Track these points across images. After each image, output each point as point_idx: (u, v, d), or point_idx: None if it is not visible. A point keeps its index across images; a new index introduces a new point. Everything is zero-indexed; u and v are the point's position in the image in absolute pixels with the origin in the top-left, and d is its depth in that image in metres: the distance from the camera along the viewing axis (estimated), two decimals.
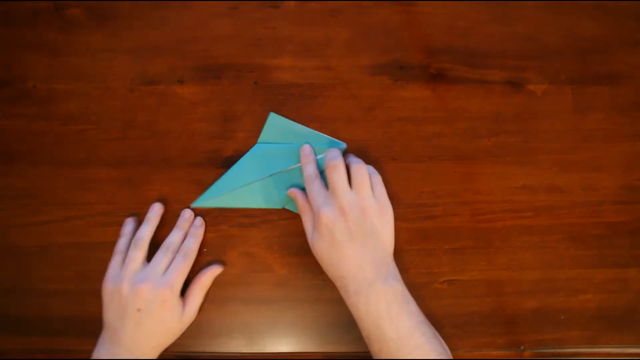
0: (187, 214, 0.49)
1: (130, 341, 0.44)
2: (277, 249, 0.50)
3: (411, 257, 0.50)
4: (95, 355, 0.44)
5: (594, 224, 0.50)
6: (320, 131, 0.51)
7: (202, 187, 0.50)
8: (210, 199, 0.49)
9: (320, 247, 0.44)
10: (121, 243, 0.47)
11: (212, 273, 0.48)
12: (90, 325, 0.48)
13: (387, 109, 0.51)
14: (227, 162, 0.50)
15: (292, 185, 0.49)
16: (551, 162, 0.51)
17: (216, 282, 0.49)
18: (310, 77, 0.52)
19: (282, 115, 0.51)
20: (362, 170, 0.45)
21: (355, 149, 0.51)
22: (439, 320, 0.49)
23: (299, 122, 0.51)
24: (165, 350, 0.48)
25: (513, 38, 0.52)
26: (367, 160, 0.51)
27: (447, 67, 0.52)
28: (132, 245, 0.46)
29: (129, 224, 0.48)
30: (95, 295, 0.49)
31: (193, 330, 0.49)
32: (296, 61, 0.52)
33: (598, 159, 0.51)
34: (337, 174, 0.44)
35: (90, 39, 0.52)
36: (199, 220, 0.49)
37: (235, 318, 0.49)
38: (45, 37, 0.52)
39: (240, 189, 0.49)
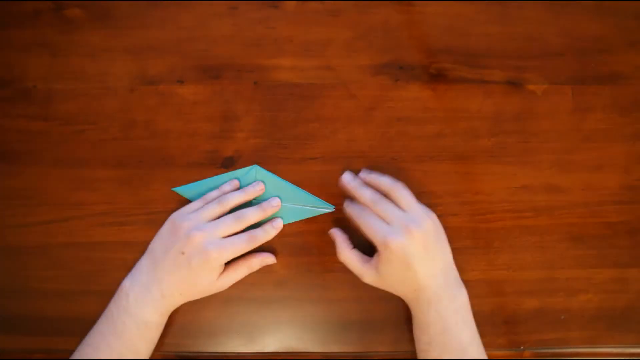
0: (274, 201, 0.48)
1: (164, 276, 0.44)
2: (277, 249, 0.50)
3: None
4: (128, 281, 0.45)
5: (594, 224, 0.50)
6: (320, 131, 0.51)
7: None
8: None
9: (390, 274, 0.44)
10: (213, 194, 0.47)
11: (263, 259, 0.48)
12: (90, 325, 0.48)
13: (387, 109, 0.51)
14: (227, 162, 0.50)
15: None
16: (551, 162, 0.51)
17: None
18: (310, 77, 0.52)
19: (282, 116, 0.51)
20: (397, 186, 0.46)
21: (356, 149, 0.51)
22: None
23: (299, 123, 0.51)
24: (165, 350, 0.48)
25: (513, 38, 0.52)
26: (367, 160, 0.51)
27: (447, 67, 0.52)
28: (217, 200, 0.46)
29: (228, 185, 0.48)
30: (96, 295, 0.49)
31: (193, 330, 0.48)
32: (296, 61, 0.52)
33: (598, 159, 0.51)
34: (382, 205, 0.45)
35: (90, 39, 0.52)
36: (279, 222, 0.48)
37: (235, 318, 0.49)
38: (45, 37, 0.52)
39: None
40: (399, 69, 0.52)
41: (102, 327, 0.44)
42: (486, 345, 0.49)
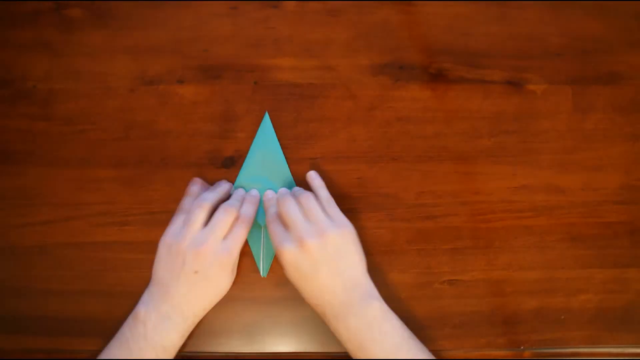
0: (241, 190, 0.49)
1: (183, 301, 0.43)
2: None
3: (411, 257, 0.50)
4: (143, 309, 0.43)
5: (594, 224, 0.50)
6: (320, 131, 0.51)
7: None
8: None
9: (293, 281, 0.44)
10: (186, 202, 0.46)
11: (242, 222, 0.46)
12: (90, 325, 0.48)
13: (387, 109, 0.51)
14: (227, 162, 0.50)
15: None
16: (551, 162, 0.51)
17: None
18: (310, 77, 0.52)
19: (282, 116, 0.51)
20: (306, 196, 0.45)
21: (356, 149, 0.51)
22: (439, 320, 0.49)
23: (299, 123, 0.51)
24: None
25: (513, 38, 0.52)
26: (367, 160, 0.51)
27: (447, 67, 0.52)
28: (196, 205, 0.45)
29: (195, 184, 0.47)
30: (96, 296, 0.49)
31: (193, 330, 0.48)
32: (296, 61, 0.52)
33: (598, 159, 0.51)
34: (287, 207, 0.45)
35: (90, 39, 0.52)
36: (255, 191, 0.49)
37: (235, 318, 0.49)
38: (45, 37, 0.52)
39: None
40: (399, 69, 0.52)
41: (116, 352, 0.43)
42: (486, 345, 0.49)
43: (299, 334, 0.49)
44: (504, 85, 0.52)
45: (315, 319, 0.49)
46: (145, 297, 0.44)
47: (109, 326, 0.47)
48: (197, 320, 0.45)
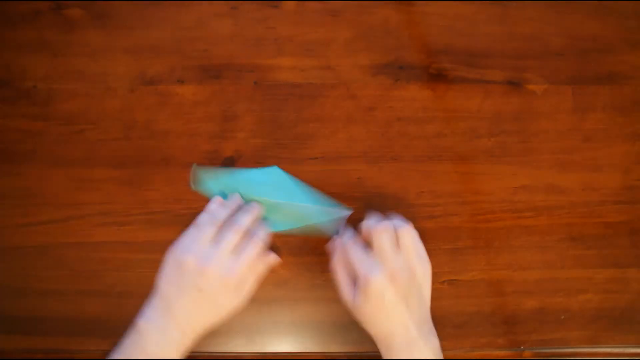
0: (254, 205, 0.48)
1: (184, 318, 0.43)
2: (277, 249, 0.50)
3: None
4: (143, 322, 0.42)
5: (594, 224, 0.50)
6: (320, 131, 0.51)
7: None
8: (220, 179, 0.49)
9: (366, 310, 0.43)
10: (202, 218, 0.45)
11: (268, 264, 0.47)
12: (90, 325, 0.48)
13: (387, 109, 0.51)
14: (227, 162, 0.50)
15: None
16: (551, 162, 0.51)
17: None
18: (310, 77, 0.52)
19: (282, 116, 0.51)
20: (410, 233, 0.45)
21: (356, 149, 0.51)
22: (439, 320, 0.49)
23: (299, 123, 0.51)
24: None
25: (513, 38, 0.52)
26: (367, 160, 0.51)
27: (447, 67, 0.52)
28: (205, 222, 0.44)
29: (214, 202, 0.47)
30: (96, 295, 0.49)
31: None
32: (296, 61, 0.52)
33: (598, 159, 0.51)
34: (387, 236, 0.44)
35: (90, 39, 0.52)
36: (256, 204, 0.48)
37: (235, 318, 0.49)
38: (45, 37, 0.52)
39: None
40: (399, 69, 0.52)
41: None
42: (486, 345, 0.49)
43: (299, 334, 0.49)
44: (504, 85, 0.52)
45: (316, 319, 0.49)
46: (147, 309, 0.43)
47: (109, 326, 0.48)
48: (196, 337, 0.44)
